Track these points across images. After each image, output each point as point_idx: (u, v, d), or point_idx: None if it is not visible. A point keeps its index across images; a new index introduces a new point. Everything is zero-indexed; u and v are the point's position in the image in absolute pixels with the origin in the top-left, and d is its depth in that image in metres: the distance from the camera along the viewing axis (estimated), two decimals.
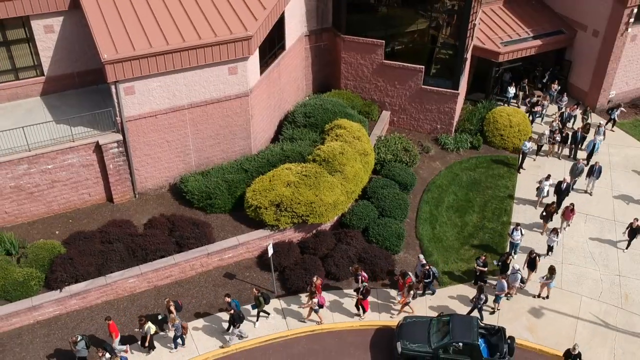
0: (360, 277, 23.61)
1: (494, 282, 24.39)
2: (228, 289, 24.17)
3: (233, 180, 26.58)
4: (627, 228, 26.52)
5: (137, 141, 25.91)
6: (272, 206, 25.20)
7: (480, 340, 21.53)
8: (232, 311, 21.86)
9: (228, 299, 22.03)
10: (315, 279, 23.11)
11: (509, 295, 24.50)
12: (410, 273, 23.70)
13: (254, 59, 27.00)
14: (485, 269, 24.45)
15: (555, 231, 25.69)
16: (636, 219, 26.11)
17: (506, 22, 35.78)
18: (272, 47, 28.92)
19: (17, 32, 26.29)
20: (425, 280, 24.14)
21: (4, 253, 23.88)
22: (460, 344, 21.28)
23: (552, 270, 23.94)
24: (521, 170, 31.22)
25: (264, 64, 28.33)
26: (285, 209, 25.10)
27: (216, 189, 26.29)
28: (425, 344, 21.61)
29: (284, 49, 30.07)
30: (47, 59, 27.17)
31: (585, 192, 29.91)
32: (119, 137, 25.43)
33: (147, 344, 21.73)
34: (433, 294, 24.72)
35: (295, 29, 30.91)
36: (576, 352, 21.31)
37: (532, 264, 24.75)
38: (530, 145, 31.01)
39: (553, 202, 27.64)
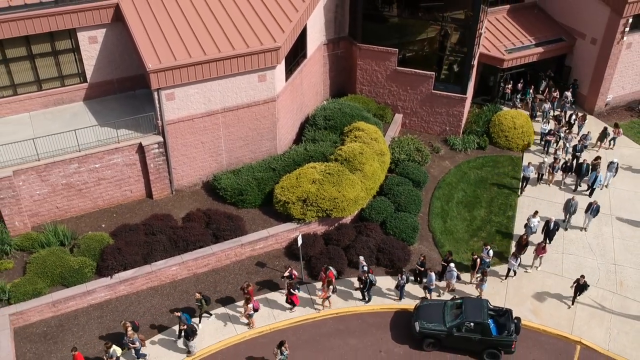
0: (291, 275, 25.13)
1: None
2: (260, 276, 26.68)
3: (262, 178, 29.09)
4: (574, 283, 25.90)
5: (175, 142, 28.41)
6: (299, 201, 27.68)
7: (489, 320, 23.96)
8: (184, 326, 22.80)
9: (178, 314, 23.08)
10: (246, 284, 24.25)
11: (449, 291, 26.60)
12: (332, 268, 25.38)
13: (281, 67, 29.49)
14: (423, 268, 26.34)
15: (514, 255, 26.78)
16: (582, 276, 25.57)
17: (510, 30, 38.21)
18: (296, 55, 31.43)
19: (64, 43, 28.73)
20: (364, 290, 25.61)
21: (58, 244, 26.41)
22: (472, 324, 23.72)
23: (484, 274, 25.80)
24: (521, 193, 31.81)
25: (289, 71, 30.83)
26: (311, 204, 27.58)
27: (247, 186, 28.79)
28: (441, 323, 24.11)
29: (306, 57, 32.59)
30: (90, 67, 29.62)
31: (581, 229, 29.80)
32: (160, 138, 27.91)
33: None
34: (368, 301, 26.00)
35: (316, 38, 33.42)
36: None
37: (473, 265, 26.69)
38: (532, 170, 31.46)
39: (524, 234, 27.87)
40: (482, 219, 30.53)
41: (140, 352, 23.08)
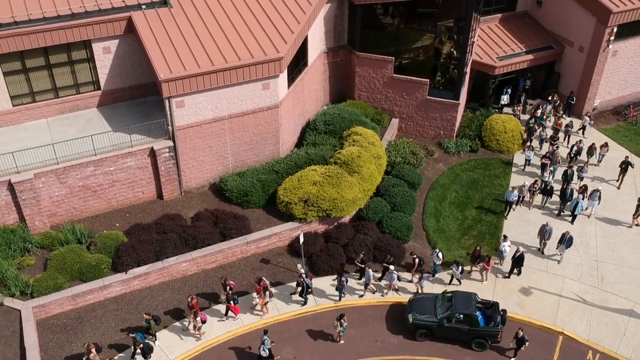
0: (229, 286, 25.88)
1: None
2: (264, 272, 28.45)
3: (266, 180, 30.93)
4: (513, 338, 25.50)
5: (184, 147, 30.24)
6: (300, 202, 29.52)
7: (477, 312, 25.79)
8: (141, 345, 23.57)
9: (132, 335, 23.82)
10: (190, 299, 24.96)
11: (387, 291, 28.09)
12: (264, 278, 26.49)
13: (283, 75, 31.30)
14: (363, 265, 27.78)
15: (456, 263, 27.96)
16: (521, 329, 25.35)
17: (502, 38, 39.93)
18: (298, 63, 33.24)
19: (80, 53, 30.54)
20: (302, 293, 26.84)
21: (76, 242, 28.24)
22: (461, 315, 25.56)
23: (420, 279, 27.56)
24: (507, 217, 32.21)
25: (291, 79, 32.65)
26: (312, 204, 29.42)
27: (252, 188, 30.63)
28: (432, 315, 25.96)
29: (307, 65, 34.40)
30: (103, 76, 31.43)
31: (558, 262, 29.84)
32: (170, 143, 29.74)
33: None
34: (304, 304, 27.21)
35: (316, 47, 35.25)
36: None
37: (413, 265, 28.17)
38: (516, 194, 31.78)
39: (478, 245, 29.00)
40: (474, 218, 32.32)
41: None
